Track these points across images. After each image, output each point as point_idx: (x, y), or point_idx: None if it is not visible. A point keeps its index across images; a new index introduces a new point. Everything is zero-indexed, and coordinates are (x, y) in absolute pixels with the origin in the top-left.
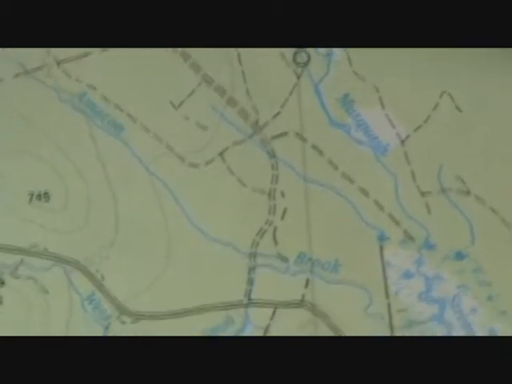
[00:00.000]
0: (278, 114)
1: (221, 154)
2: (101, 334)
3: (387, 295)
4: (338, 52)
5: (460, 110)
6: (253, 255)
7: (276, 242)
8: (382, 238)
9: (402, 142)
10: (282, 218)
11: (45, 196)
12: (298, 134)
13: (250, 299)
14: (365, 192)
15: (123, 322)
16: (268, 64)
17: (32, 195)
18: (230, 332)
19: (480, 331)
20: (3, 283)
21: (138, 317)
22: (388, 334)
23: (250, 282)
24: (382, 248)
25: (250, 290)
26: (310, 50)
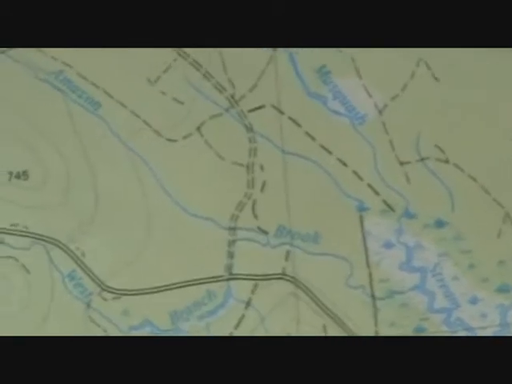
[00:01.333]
0: (254, 86)
1: (198, 128)
2: (83, 311)
3: (368, 265)
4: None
5: (437, 79)
6: (232, 229)
7: (255, 215)
8: (361, 209)
9: (380, 111)
10: (262, 190)
11: (23, 175)
12: (274, 106)
13: (230, 273)
14: (343, 163)
15: (104, 299)
16: None
17: (11, 174)
18: (211, 306)
19: (462, 299)
20: None
21: (119, 293)
22: (370, 305)
23: (231, 255)
24: (361, 218)
25: (231, 264)
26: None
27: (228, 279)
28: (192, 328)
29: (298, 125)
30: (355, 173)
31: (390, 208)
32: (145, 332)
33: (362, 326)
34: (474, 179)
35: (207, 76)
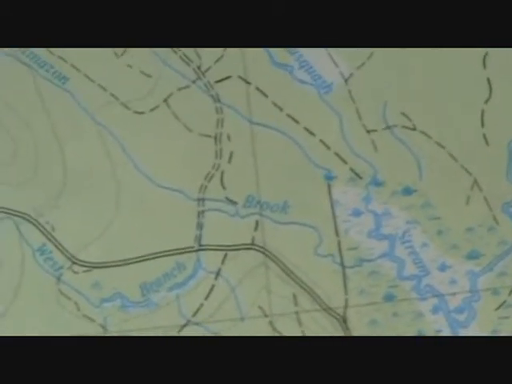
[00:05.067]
0: (220, 57)
1: (165, 100)
2: (53, 285)
3: (337, 234)
4: None
5: (401, 46)
6: (201, 200)
7: (224, 186)
8: (329, 177)
9: (346, 80)
10: (229, 161)
11: None
12: (241, 77)
13: (200, 244)
14: (310, 132)
15: (75, 272)
16: None
17: None
18: (181, 278)
19: (431, 266)
20: None
21: (89, 266)
22: (339, 273)
23: (200, 226)
24: (329, 187)
25: (200, 235)
26: None
27: (197, 250)
28: (162, 300)
29: (265, 95)
30: (322, 142)
31: (358, 176)
32: (116, 304)
33: (332, 295)
34: (442, 146)
35: (173, 48)
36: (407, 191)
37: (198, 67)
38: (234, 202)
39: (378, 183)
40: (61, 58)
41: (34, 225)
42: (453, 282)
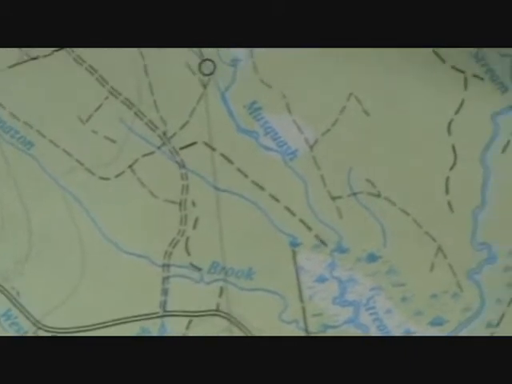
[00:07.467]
0: (185, 124)
1: (130, 166)
2: None
3: (302, 300)
4: (243, 60)
5: (367, 114)
6: (166, 266)
7: (188, 252)
8: (294, 244)
9: (311, 146)
10: (194, 227)
11: None
12: (206, 143)
13: (165, 310)
14: (275, 198)
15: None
16: (174, 75)
17: None
18: None
19: (396, 332)
20: None
21: (54, 332)
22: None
23: (165, 292)
24: (294, 253)
25: (165, 301)
26: (216, 59)
27: (162, 316)
28: None
29: (230, 161)
30: (287, 208)
31: (323, 243)
32: None
33: None
34: (406, 213)
35: (139, 114)
36: (372, 258)
37: (164, 133)
38: (198, 269)
39: (342, 250)
40: (26, 123)
41: None
42: None
